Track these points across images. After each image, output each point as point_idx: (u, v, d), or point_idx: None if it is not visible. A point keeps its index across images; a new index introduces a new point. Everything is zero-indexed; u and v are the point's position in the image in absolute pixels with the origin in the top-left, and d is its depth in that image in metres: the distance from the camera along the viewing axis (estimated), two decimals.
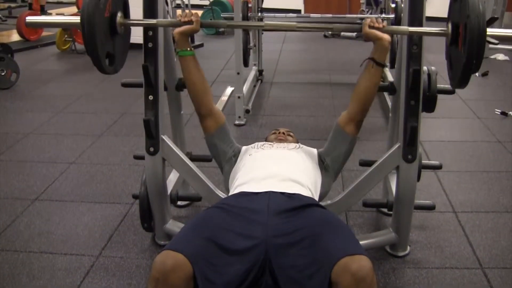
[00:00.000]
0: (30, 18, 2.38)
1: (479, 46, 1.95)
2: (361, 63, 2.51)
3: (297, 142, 2.81)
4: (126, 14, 2.45)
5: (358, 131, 2.61)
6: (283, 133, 2.85)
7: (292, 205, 2.08)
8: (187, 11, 2.50)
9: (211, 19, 10.01)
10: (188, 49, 2.52)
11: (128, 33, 2.51)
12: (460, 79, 2.08)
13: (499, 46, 8.03)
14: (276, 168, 2.37)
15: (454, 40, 2.17)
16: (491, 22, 2.05)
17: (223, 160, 2.62)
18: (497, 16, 2.02)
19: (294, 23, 2.47)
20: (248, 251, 1.89)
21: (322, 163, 2.58)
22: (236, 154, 2.61)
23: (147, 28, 2.56)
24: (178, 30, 2.44)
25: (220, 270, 1.84)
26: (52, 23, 2.54)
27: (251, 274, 1.87)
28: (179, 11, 8.68)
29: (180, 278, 1.76)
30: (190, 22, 2.42)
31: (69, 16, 2.14)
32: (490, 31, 2.00)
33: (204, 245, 1.88)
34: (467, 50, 1.97)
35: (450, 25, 2.20)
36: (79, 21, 2.14)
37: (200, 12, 9.95)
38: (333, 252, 1.81)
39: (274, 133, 2.88)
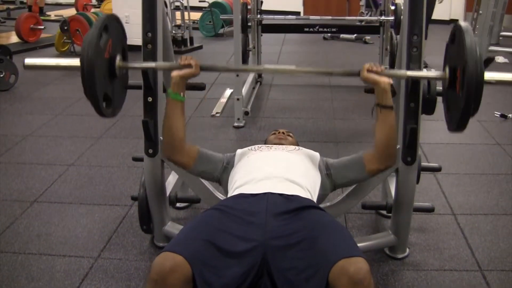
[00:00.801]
0: (28, 61, 2.36)
1: (477, 91, 1.96)
2: (371, 112, 2.45)
3: (297, 144, 2.81)
4: (125, 57, 2.44)
5: (374, 175, 2.54)
6: (283, 132, 2.85)
7: (290, 207, 2.07)
8: (186, 55, 2.46)
9: (210, 21, 10.03)
10: (182, 94, 2.43)
11: (126, 76, 2.50)
12: (458, 123, 2.09)
13: (499, 48, 8.05)
14: (275, 169, 2.37)
15: (451, 84, 2.18)
16: (488, 63, 2.06)
17: (217, 174, 2.58)
18: (493, 57, 2.05)
19: (293, 67, 2.46)
20: (247, 253, 1.89)
21: (325, 169, 2.55)
22: (230, 161, 2.58)
23: (146, 30, 2.56)
24: (177, 72, 2.39)
25: (218, 272, 1.84)
26: (51, 66, 2.53)
27: (249, 276, 1.87)
28: (178, 13, 8.70)
29: (178, 279, 1.76)
30: (189, 66, 2.37)
31: (67, 59, 2.17)
32: (487, 75, 2.02)
33: (202, 247, 1.88)
34: (465, 95, 1.97)
35: (447, 70, 2.21)
36: (78, 64, 2.13)
37: (199, 14, 9.97)
38: (330, 254, 1.81)
39: (274, 133, 2.88)
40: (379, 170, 2.48)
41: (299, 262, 1.85)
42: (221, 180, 2.59)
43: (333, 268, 1.74)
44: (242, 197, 2.19)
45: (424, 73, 2.40)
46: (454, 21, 11.35)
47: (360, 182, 2.59)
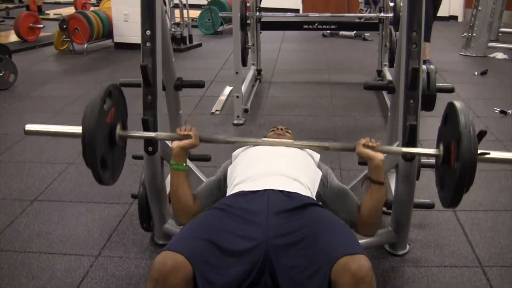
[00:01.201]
0: (29, 127, 2.37)
1: (471, 164, 2.00)
2: (361, 183, 2.47)
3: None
4: (125, 126, 2.47)
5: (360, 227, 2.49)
6: (282, 129, 2.85)
7: (291, 205, 2.08)
8: (186, 126, 2.47)
9: (209, 19, 10.02)
10: (184, 164, 2.44)
11: (125, 144, 2.50)
12: (452, 197, 2.10)
13: (498, 45, 8.05)
14: (274, 164, 2.37)
15: (445, 160, 2.20)
16: (481, 137, 2.08)
17: (221, 193, 2.55)
18: (485, 131, 2.09)
19: (291, 141, 2.50)
20: (248, 252, 1.89)
21: (324, 178, 2.53)
22: (225, 168, 2.60)
23: (145, 27, 2.55)
24: (177, 143, 2.40)
25: (219, 271, 1.84)
26: (52, 133, 2.55)
27: (251, 275, 1.87)
28: (177, 11, 8.69)
29: (179, 279, 1.76)
30: (189, 136, 2.38)
31: (68, 126, 2.19)
32: (480, 152, 2.05)
33: (203, 246, 1.88)
34: (460, 168, 2.01)
35: (441, 146, 2.24)
36: (80, 131, 2.15)
37: (198, 12, 9.96)
38: (332, 251, 1.81)
39: (273, 130, 2.88)
40: (363, 231, 2.48)
41: (301, 260, 1.86)
42: (222, 187, 2.59)
43: (335, 265, 1.75)
44: (243, 195, 2.19)
45: (418, 150, 2.44)
46: (453, 18, 11.34)
47: (342, 218, 2.54)
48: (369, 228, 2.47)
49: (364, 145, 2.32)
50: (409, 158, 2.55)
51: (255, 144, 2.61)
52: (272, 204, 2.07)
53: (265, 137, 2.89)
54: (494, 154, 2.19)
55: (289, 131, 2.89)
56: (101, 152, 2.21)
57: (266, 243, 1.91)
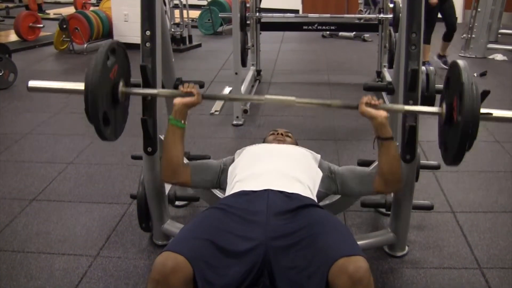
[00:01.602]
0: (32, 83, 2.40)
1: (473, 121, 2.00)
2: (372, 145, 2.49)
3: (296, 143, 2.81)
4: (128, 83, 2.47)
5: (380, 194, 2.59)
6: (282, 134, 2.84)
7: (291, 206, 2.08)
8: (189, 83, 2.48)
9: (209, 20, 10.02)
10: (183, 121, 2.46)
11: (128, 101, 2.52)
12: (455, 155, 2.11)
13: (497, 46, 8.06)
14: (275, 163, 2.37)
15: (448, 119, 2.21)
16: (484, 96, 2.09)
17: (217, 179, 2.60)
18: (488, 90, 2.09)
19: (293, 98, 2.47)
20: (247, 253, 1.89)
21: (329, 172, 2.55)
22: (227, 162, 2.60)
23: (145, 28, 2.55)
24: (179, 100, 2.42)
25: (219, 272, 1.84)
26: (55, 89, 2.55)
27: (250, 275, 1.87)
28: (177, 11, 8.69)
29: (180, 279, 1.76)
30: (191, 94, 2.40)
31: (71, 83, 2.18)
32: (483, 111, 2.06)
33: (203, 246, 1.88)
34: (462, 125, 2.01)
35: (444, 105, 2.25)
36: (82, 88, 2.15)
37: (197, 13, 9.97)
38: (330, 252, 1.81)
39: (273, 134, 2.87)
40: (386, 192, 2.59)
41: (300, 261, 1.86)
42: (221, 183, 2.59)
43: (332, 266, 1.75)
44: (243, 195, 2.19)
45: (421, 108, 2.43)
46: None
47: (360, 196, 2.59)
48: (394, 183, 2.48)
49: (367, 104, 2.34)
50: (408, 159, 2.55)
51: (258, 101, 2.60)
52: (272, 205, 2.07)
53: (264, 140, 2.89)
54: (497, 112, 2.21)
55: (289, 134, 2.88)
56: (104, 108, 2.21)
57: (265, 244, 1.91)
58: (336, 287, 1.74)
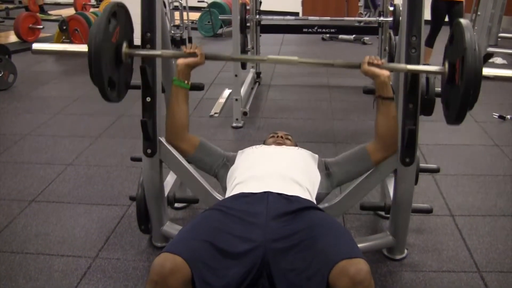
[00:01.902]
0: (36, 46, 2.43)
1: (476, 81, 2.03)
2: (372, 105, 2.52)
3: (295, 146, 2.81)
4: (131, 44, 2.49)
5: (378, 163, 2.58)
6: (281, 136, 2.84)
7: (290, 208, 2.08)
8: (192, 44, 2.51)
9: (209, 22, 10.03)
10: (186, 82, 2.53)
11: (131, 62, 2.54)
12: (457, 114, 2.14)
13: (497, 50, 8.06)
14: (275, 166, 2.38)
15: (450, 77, 2.24)
16: (486, 59, 2.12)
17: (215, 168, 2.62)
18: (492, 52, 2.10)
19: (296, 58, 2.48)
20: (247, 254, 1.89)
21: (325, 169, 2.57)
22: (230, 159, 2.61)
23: (145, 30, 2.56)
24: (182, 60, 2.46)
25: (218, 273, 1.84)
26: (59, 51, 2.60)
27: (249, 277, 1.87)
28: (177, 13, 8.69)
29: (178, 280, 1.76)
30: (194, 54, 2.44)
31: (74, 45, 2.18)
32: (485, 71, 2.09)
33: (202, 247, 1.88)
34: (464, 84, 2.04)
35: (447, 64, 2.28)
36: (86, 49, 2.18)
37: (198, 15, 9.97)
38: (330, 255, 1.81)
39: (273, 136, 2.87)
40: (385, 158, 2.55)
41: (299, 263, 1.86)
42: (218, 175, 2.62)
43: (333, 268, 1.74)
44: (242, 197, 2.19)
45: (423, 67, 2.43)
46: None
47: (361, 174, 2.60)
48: (391, 146, 2.53)
49: (369, 63, 2.37)
50: (408, 162, 2.56)
51: (260, 61, 2.64)
52: (271, 207, 2.07)
53: (264, 142, 2.89)
54: (498, 72, 2.28)
55: (289, 137, 2.89)
56: (108, 70, 2.24)
57: (264, 245, 1.91)
58: None
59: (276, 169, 2.34)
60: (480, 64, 2.03)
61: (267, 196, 2.13)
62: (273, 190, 2.17)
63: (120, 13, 2.34)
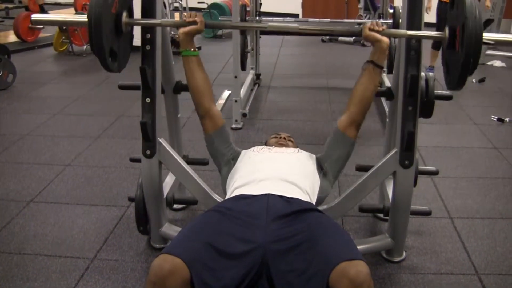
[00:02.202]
0: (35, 16, 2.40)
1: (476, 47, 2.02)
2: (363, 66, 2.53)
3: (297, 147, 2.81)
4: (131, 14, 2.49)
5: (358, 133, 2.61)
6: (284, 138, 2.85)
7: (290, 209, 2.08)
8: (191, 12, 2.52)
9: None
10: (192, 49, 2.54)
11: (131, 33, 2.54)
12: (457, 79, 2.13)
13: (496, 52, 8.07)
14: (275, 170, 2.38)
15: (451, 43, 2.23)
16: (487, 24, 2.12)
17: (221, 161, 2.62)
18: (492, 18, 2.11)
19: (296, 25, 2.50)
20: (246, 255, 1.89)
21: (321, 169, 2.57)
22: (235, 157, 2.61)
23: (145, 31, 2.55)
24: (183, 29, 2.48)
25: (217, 274, 1.83)
26: (58, 22, 2.60)
27: (247, 278, 1.86)
28: (177, 14, 8.70)
29: (177, 281, 1.76)
30: (194, 22, 2.46)
31: (74, 15, 2.16)
32: (486, 35, 2.08)
33: (201, 249, 1.88)
34: (464, 49, 2.03)
35: (447, 29, 2.27)
36: (86, 19, 2.17)
37: None
38: (331, 257, 1.81)
39: (275, 137, 2.88)
40: (359, 125, 2.61)
41: (299, 264, 1.86)
42: (221, 171, 2.63)
43: (333, 270, 1.74)
44: (242, 198, 2.19)
45: (424, 32, 2.43)
46: None
47: (352, 149, 2.61)
48: (363, 109, 2.60)
49: (370, 29, 2.39)
50: (407, 165, 2.56)
51: (261, 29, 2.69)
52: (271, 208, 2.07)
53: (266, 142, 2.89)
54: (498, 36, 2.29)
55: (292, 139, 2.90)
56: (109, 41, 2.24)
57: (264, 247, 1.91)
58: None
59: (277, 174, 2.34)
60: (480, 31, 2.02)
61: (267, 198, 2.13)
62: (273, 192, 2.17)
63: None
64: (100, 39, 2.15)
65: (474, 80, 6.73)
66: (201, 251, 1.87)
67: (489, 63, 7.85)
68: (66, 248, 2.97)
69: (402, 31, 2.47)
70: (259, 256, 1.89)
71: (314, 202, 2.34)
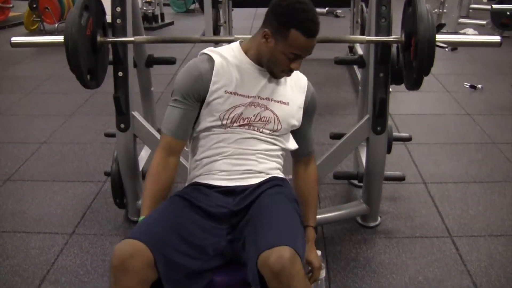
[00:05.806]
0: (15, 39, 2.69)
1: (429, 49, 2.13)
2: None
3: None
4: (105, 33, 2.53)
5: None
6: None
7: (254, 194, 1.98)
8: None
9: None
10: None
11: (107, 50, 2.58)
12: (414, 80, 2.28)
13: (468, 21, 8.13)
14: (244, 151, 2.08)
15: (407, 47, 2.36)
16: (439, 28, 2.18)
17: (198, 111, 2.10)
18: (444, 23, 2.18)
19: None
20: (210, 248, 1.86)
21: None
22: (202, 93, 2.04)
23: (115, 5, 2.54)
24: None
25: (180, 258, 1.80)
26: (37, 43, 2.73)
27: (212, 263, 1.86)
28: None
29: (138, 263, 1.69)
30: None
31: (52, 36, 2.19)
32: (439, 37, 2.19)
33: (164, 233, 1.82)
34: (419, 53, 2.15)
35: (403, 34, 2.40)
36: (62, 40, 2.24)
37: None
38: (259, 245, 1.73)
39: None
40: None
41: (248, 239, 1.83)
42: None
43: (258, 260, 1.69)
44: (209, 188, 2.04)
45: (381, 38, 2.50)
46: None
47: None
48: None
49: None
50: (379, 131, 2.59)
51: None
52: (237, 201, 2.00)
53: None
54: (450, 37, 2.39)
55: None
56: (86, 63, 2.33)
57: (226, 236, 1.90)
58: (266, 280, 1.69)
59: (245, 156, 2.09)
60: (433, 34, 2.11)
61: (233, 190, 2.02)
62: (241, 183, 2.05)
63: (91, 4, 2.37)
64: (77, 62, 2.25)
65: (447, 49, 6.74)
66: (164, 235, 1.78)
67: (461, 31, 7.90)
68: (44, 225, 2.98)
69: (361, 37, 2.55)
70: (222, 247, 1.88)
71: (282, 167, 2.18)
